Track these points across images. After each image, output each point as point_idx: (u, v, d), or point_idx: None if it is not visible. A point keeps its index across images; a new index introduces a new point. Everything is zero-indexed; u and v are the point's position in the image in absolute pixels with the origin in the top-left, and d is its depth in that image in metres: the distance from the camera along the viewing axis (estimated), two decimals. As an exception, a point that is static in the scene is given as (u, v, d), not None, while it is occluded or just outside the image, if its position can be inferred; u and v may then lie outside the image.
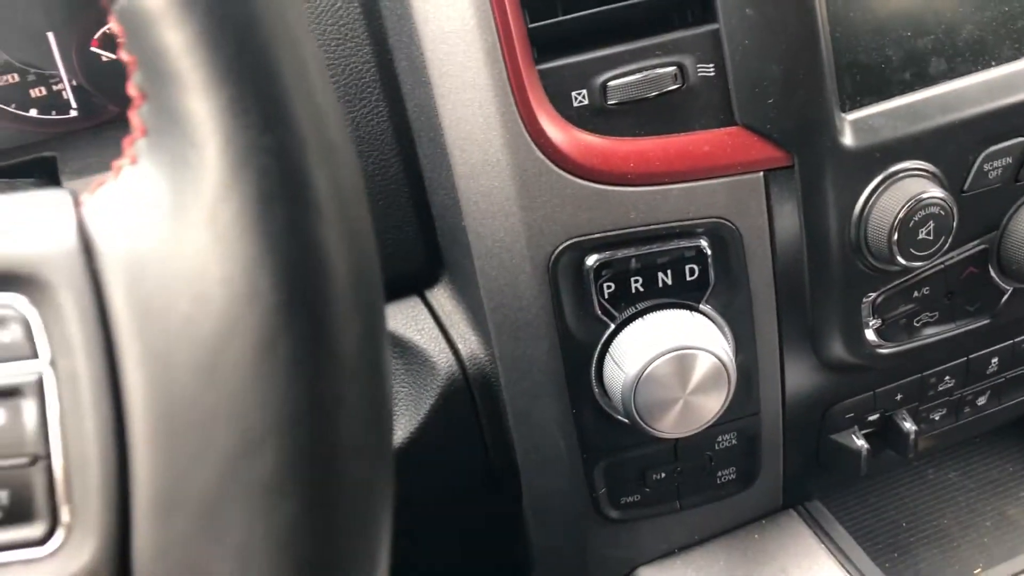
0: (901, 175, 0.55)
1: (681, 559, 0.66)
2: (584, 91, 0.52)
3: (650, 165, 0.53)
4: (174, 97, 0.25)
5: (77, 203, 0.27)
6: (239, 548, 0.26)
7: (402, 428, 0.61)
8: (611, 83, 0.52)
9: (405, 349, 0.62)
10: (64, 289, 0.26)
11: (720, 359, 0.54)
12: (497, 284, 0.56)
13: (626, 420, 0.57)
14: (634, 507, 0.63)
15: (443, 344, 0.61)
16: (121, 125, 0.67)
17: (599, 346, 0.56)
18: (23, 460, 0.26)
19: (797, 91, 0.53)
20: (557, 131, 0.52)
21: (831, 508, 0.68)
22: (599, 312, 0.55)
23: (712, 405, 0.55)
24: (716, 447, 0.62)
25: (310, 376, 0.26)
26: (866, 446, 0.65)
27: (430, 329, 0.62)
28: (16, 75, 0.66)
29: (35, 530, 0.27)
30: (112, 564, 0.26)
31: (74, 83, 0.66)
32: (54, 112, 0.67)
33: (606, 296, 0.55)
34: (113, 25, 0.27)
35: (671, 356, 0.53)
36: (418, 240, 0.62)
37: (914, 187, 0.54)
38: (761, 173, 0.55)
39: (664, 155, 0.53)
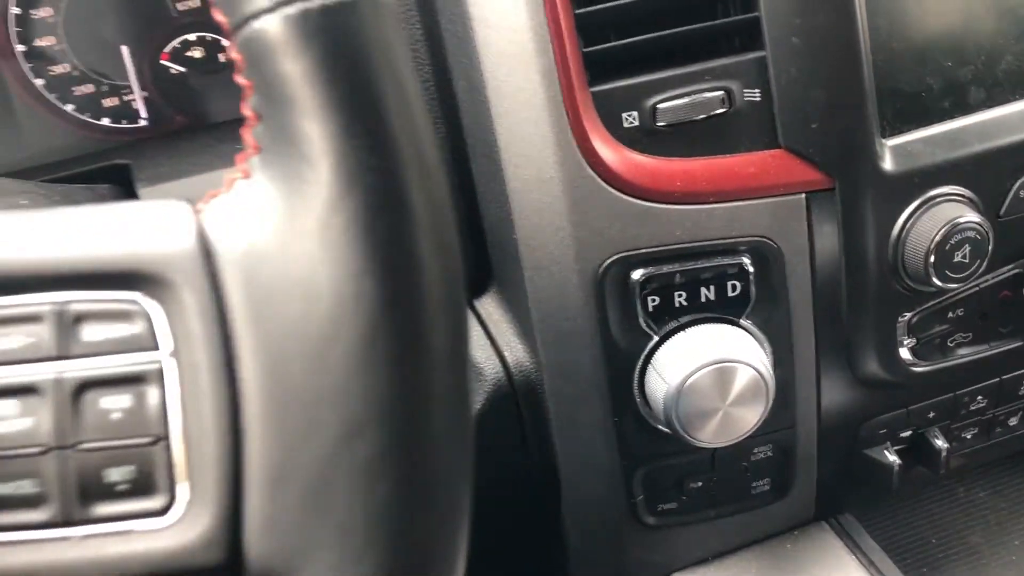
0: (939, 199, 0.57)
1: (715, 566, 0.68)
2: (635, 113, 0.55)
3: (696, 184, 0.56)
4: (290, 119, 0.28)
5: (195, 211, 0.30)
6: (340, 522, 0.28)
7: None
8: (661, 105, 0.54)
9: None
10: (185, 287, 0.29)
11: (759, 372, 0.56)
12: (545, 295, 0.58)
13: (666, 429, 0.59)
14: (671, 514, 0.65)
15: (490, 351, 0.64)
16: (187, 135, 0.70)
17: (642, 357, 0.59)
18: (147, 440, 0.29)
19: (839, 117, 0.55)
20: (608, 150, 0.55)
21: (863, 522, 0.70)
22: (643, 324, 0.58)
23: (750, 417, 0.57)
24: (752, 458, 0.64)
25: (406, 369, 0.28)
26: (898, 461, 0.66)
27: (478, 337, 0.65)
28: (91, 85, 0.69)
29: (156, 502, 0.29)
30: (225, 534, 0.29)
31: (145, 94, 0.70)
32: (124, 121, 0.70)
33: (650, 309, 0.58)
34: (232, 52, 0.29)
35: (712, 368, 0.55)
36: (468, 251, 0.64)
37: (951, 211, 0.56)
38: (803, 195, 0.57)
39: (710, 175, 0.56)
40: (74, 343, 0.29)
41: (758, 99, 0.56)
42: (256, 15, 0.27)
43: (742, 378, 0.56)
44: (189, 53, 0.70)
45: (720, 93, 0.55)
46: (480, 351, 0.64)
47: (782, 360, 0.60)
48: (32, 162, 0.68)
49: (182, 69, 0.70)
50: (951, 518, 0.74)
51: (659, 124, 0.54)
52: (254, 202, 0.29)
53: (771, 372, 0.57)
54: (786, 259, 0.58)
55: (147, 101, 0.70)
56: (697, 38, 0.55)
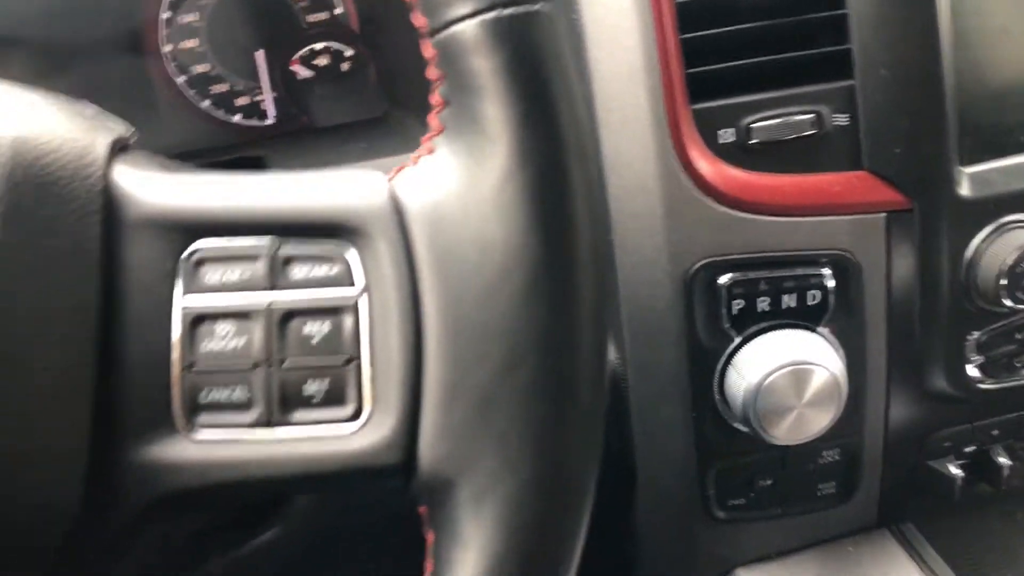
0: (1012, 225, 0.61)
1: (777, 563, 0.71)
2: (731, 130, 0.60)
3: (785, 198, 0.60)
4: (475, 105, 0.33)
5: (388, 178, 0.36)
6: (500, 434, 0.33)
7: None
8: (755, 125, 0.59)
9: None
10: (379, 237, 0.35)
11: (835, 376, 0.60)
12: (636, 295, 0.63)
13: (743, 427, 0.63)
14: (739, 509, 0.69)
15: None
16: (309, 134, 0.77)
17: (724, 356, 0.63)
18: (341, 360, 0.35)
19: (922, 145, 0.59)
20: (705, 163, 0.60)
21: (924, 532, 0.73)
22: (727, 326, 0.62)
23: (823, 418, 0.61)
24: (820, 461, 0.67)
25: (561, 311, 0.34)
26: (961, 475, 0.69)
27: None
28: (226, 85, 0.76)
29: (346, 411, 0.35)
30: (403, 440, 0.34)
31: (274, 95, 0.77)
32: (255, 119, 0.77)
33: (734, 312, 0.62)
34: (426, 50, 0.35)
35: (790, 369, 0.59)
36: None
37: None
38: (884, 214, 0.61)
39: (797, 191, 0.60)
40: (283, 278, 0.35)
41: (846, 123, 0.60)
42: (458, 20, 0.33)
43: (818, 380, 0.60)
44: (316, 61, 0.77)
45: (811, 116, 0.59)
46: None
47: (855, 368, 0.64)
48: (171, 152, 0.75)
49: (309, 74, 0.77)
50: (1010, 538, 0.77)
51: (753, 142, 0.59)
52: (439, 170, 0.35)
53: (845, 377, 0.61)
54: (864, 273, 0.62)
55: (276, 101, 0.77)
56: (792, 65, 0.59)
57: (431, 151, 0.36)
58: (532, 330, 0.33)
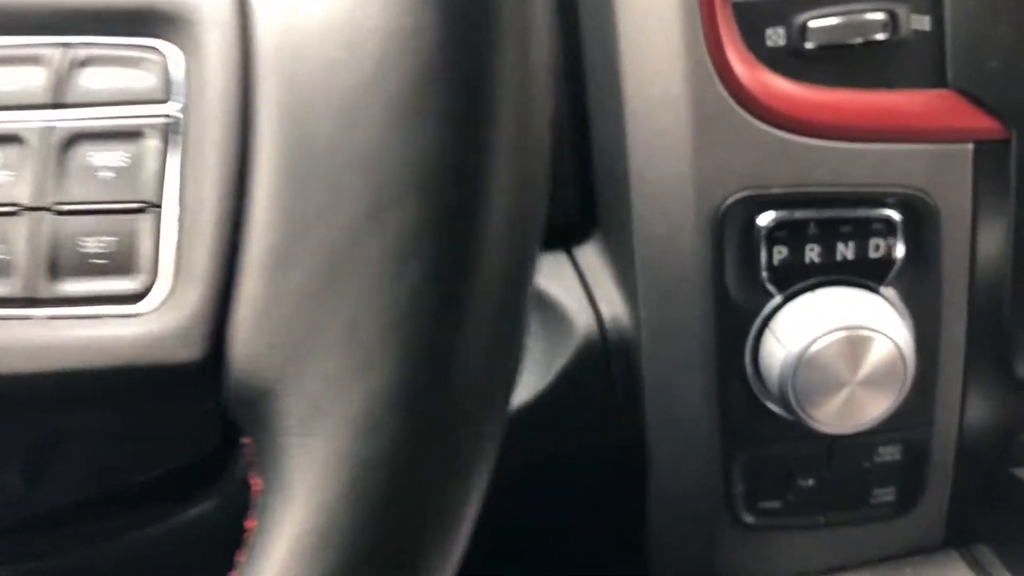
0: None
1: (818, 585, 0.59)
2: (781, 29, 0.48)
3: (845, 118, 0.49)
4: None
5: None
6: (350, 317, 0.22)
7: (529, 387, 0.58)
8: (812, 23, 0.48)
9: (543, 303, 0.58)
10: (209, 27, 0.24)
11: (899, 347, 0.48)
12: (653, 234, 0.52)
13: (779, 409, 0.52)
14: (774, 515, 0.57)
15: (584, 303, 0.57)
16: None
17: (760, 318, 0.51)
18: (135, 205, 0.24)
19: (1024, 57, 0.48)
20: (745, 69, 0.48)
21: (1002, 557, 0.60)
22: (766, 279, 0.51)
23: (881, 401, 0.50)
24: (876, 459, 0.56)
25: (464, 124, 0.22)
26: (1053, 488, 0.57)
27: (573, 287, 0.58)
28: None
29: (135, 283, 0.25)
30: (208, 326, 0.23)
31: None
32: None
33: (775, 263, 0.50)
34: None
35: (843, 335, 0.48)
36: (574, 190, 0.58)
37: None
38: (971, 145, 0.49)
39: (862, 110, 0.49)
40: (72, 90, 0.25)
41: (927, 28, 0.48)
42: None
43: (878, 351, 0.48)
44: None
45: (883, 16, 0.48)
46: (574, 301, 0.58)
47: (926, 341, 0.52)
48: None
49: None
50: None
51: (808, 45, 0.48)
52: None
53: (912, 351, 0.49)
54: (942, 219, 0.50)
55: None
56: (862, -51, 0.48)
57: None
58: (414, 156, 0.22)
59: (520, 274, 0.24)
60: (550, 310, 0.58)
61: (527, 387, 0.58)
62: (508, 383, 0.25)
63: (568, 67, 0.57)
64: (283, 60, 0.23)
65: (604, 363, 0.58)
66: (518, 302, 0.25)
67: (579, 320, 0.57)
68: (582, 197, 0.59)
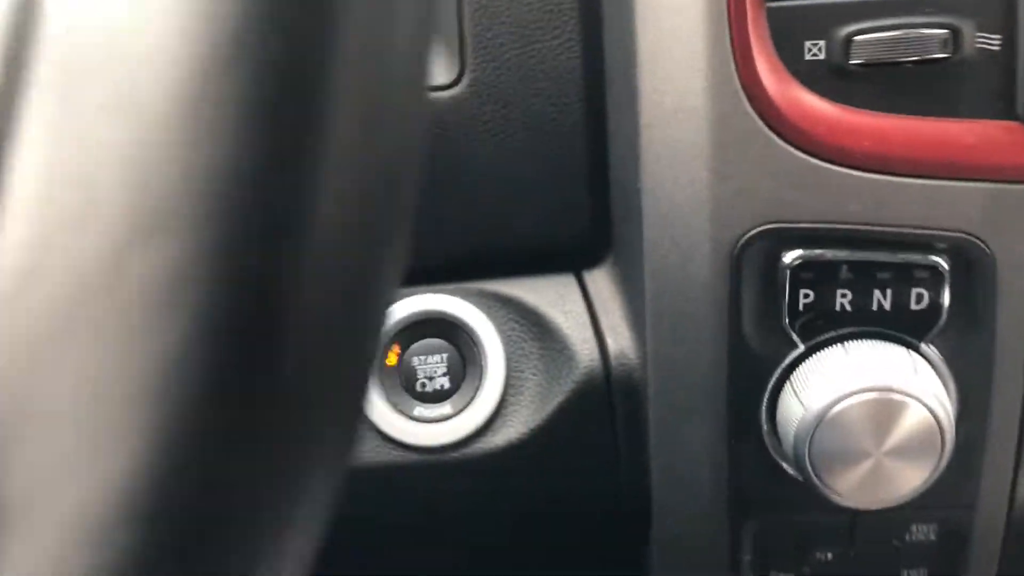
0: None
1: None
2: (821, 43, 0.42)
3: (890, 147, 0.43)
4: None
5: None
6: (80, 384, 0.16)
7: (523, 422, 0.53)
8: (858, 37, 0.42)
9: (545, 330, 0.53)
10: None
11: (935, 415, 0.42)
12: (665, 263, 0.46)
13: (795, 473, 0.46)
14: (785, 587, 0.51)
15: (589, 333, 0.52)
16: None
17: (779, 369, 0.46)
18: None
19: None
20: (777, 84, 0.42)
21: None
22: (788, 325, 0.45)
23: (913, 476, 0.44)
24: (908, 537, 0.49)
25: (272, 133, 0.17)
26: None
27: (579, 314, 0.53)
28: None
29: None
30: None
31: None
32: None
33: (800, 307, 0.45)
34: None
35: (871, 397, 0.42)
36: (587, 208, 0.53)
37: None
38: (1038, 186, 0.43)
39: (910, 138, 0.43)
40: None
41: (996, 48, 0.42)
42: None
43: (910, 419, 0.42)
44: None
45: (943, 32, 0.42)
46: (577, 330, 0.52)
47: (972, 408, 0.46)
48: None
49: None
50: None
51: (852, 62, 0.42)
52: None
53: (952, 419, 0.43)
54: (999, 269, 0.44)
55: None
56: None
57: None
58: (200, 173, 0.16)
59: (341, 355, 0.18)
60: (551, 338, 0.53)
61: (521, 420, 0.53)
62: (307, 507, 0.19)
63: (587, 73, 0.51)
64: (60, 44, 0.18)
65: (607, 401, 0.52)
66: (333, 400, 0.19)
67: (581, 351, 0.52)
68: (596, 215, 0.54)
